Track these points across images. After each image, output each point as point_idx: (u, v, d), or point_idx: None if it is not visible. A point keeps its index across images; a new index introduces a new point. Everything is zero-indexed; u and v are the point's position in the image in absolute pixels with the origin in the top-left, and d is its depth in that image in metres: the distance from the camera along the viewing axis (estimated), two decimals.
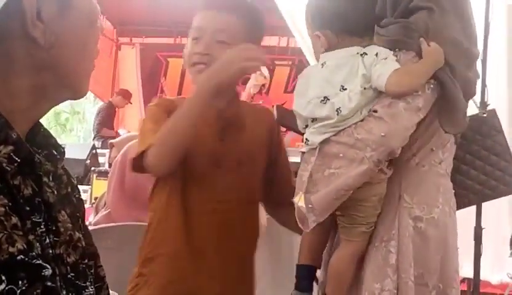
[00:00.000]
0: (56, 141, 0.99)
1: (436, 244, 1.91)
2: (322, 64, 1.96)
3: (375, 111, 1.85)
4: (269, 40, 10.40)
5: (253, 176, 2.08)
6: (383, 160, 1.85)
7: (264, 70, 8.71)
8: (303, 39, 5.03)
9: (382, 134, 1.81)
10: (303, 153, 2.07)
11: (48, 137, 0.97)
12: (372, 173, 1.84)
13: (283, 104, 11.86)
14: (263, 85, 8.65)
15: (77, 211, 1.00)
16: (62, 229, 0.90)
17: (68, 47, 0.87)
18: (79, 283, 0.92)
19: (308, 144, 1.95)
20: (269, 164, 2.14)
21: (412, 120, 1.84)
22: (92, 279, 0.97)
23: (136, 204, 2.44)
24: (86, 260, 0.97)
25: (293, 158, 8.39)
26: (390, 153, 1.85)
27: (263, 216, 3.29)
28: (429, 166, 1.95)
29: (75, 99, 0.94)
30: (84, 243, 0.96)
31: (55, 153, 0.95)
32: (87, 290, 0.94)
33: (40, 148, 0.93)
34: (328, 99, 1.87)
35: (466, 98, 1.94)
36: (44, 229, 0.83)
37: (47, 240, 0.83)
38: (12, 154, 0.81)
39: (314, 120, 1.92)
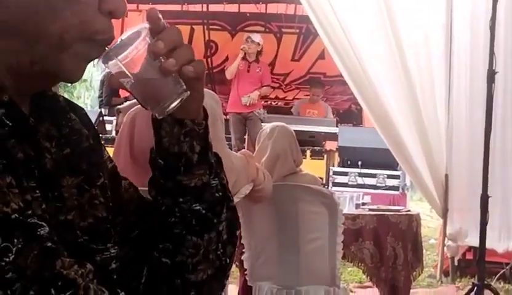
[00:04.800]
0: (65, 104, 0.98)
1: None
2: None
3: None
4: (276, 8, 10.35)
5: None
6: None
7: (255, 36, 8.73)
8: (310, 6, 4.99)
9: None
10: None
11: (55, 102, 0.95)
12: None
13: (289, 73, 11.96)
14: (259, 52, 8.67)
15: (101, 160, 0.99)
16: (66, 194, 0.89)
17: (26, 9, 0.82)
18: (94, 246, 0.91)
19: None
20: None
21: None
22: (116, 239, 0.96)
23: (146, 172, 2.44)
24: (110, 219, 0.95)
25: (305, 127, 8.34)
26: None
27: (270, 185, 3.30)
28: None
29: (63, 80, 0.88)
30: (102, 199, 0.94)
31: (61, 119, 0.94)
32: (106, 252, 0.92)
33: (46, 113, 0.92)
34: None
35: None
36: (39, 195, 0.82)
37: (43, 206, 0.82)
38: (3, 117, 0.80)
39: None
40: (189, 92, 0.91)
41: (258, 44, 8.57)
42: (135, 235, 1.04)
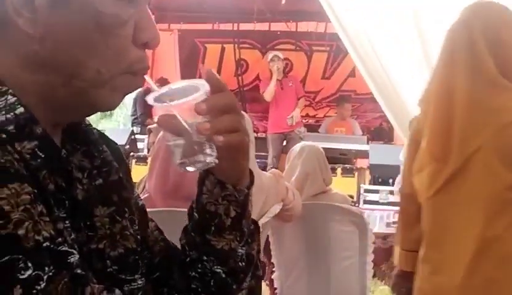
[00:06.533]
0: (98, 136, 1.00)
1: None
2: None
3: None
4: (306, 26, 10.38)
5: None
6: None
7: (279, 53, 8.89)
8: (340, 25, 5.00)
9: None
10: None
11: (89, 134, 0.97)
12: None
13: (320, 91, 11.91)
14: (285, 67, 8.94)
15: (130, 195, 1.01)
16: (98, 224, 0.91)
17: (62, 43, 0.84)
18: (123, 276, 0.92)
19: None
20: None
21: None
22: (143, 271, 0.97)
23: (177, 195, 2.46)
24: (139, 251, 0.97)
25: (336, 145, 8.26)
26: None
27: (300, 204, 3.30)
28: None
29: (100, 111, 0.91)
30: (132, 231, 0.96)
31: (93, 150, 0.96)
32: (134, 283, 0.94)
33: (79, 144, 0.95)
34: None
35: None
36: (68, 225, 0.83)
37: (72, 235, 0.83)
38: (36, 149, 0.82)
39: None
40: (217, 161, 0.91)
41: (283, 60, 8.75)
42: (156, 277, 1.05)
